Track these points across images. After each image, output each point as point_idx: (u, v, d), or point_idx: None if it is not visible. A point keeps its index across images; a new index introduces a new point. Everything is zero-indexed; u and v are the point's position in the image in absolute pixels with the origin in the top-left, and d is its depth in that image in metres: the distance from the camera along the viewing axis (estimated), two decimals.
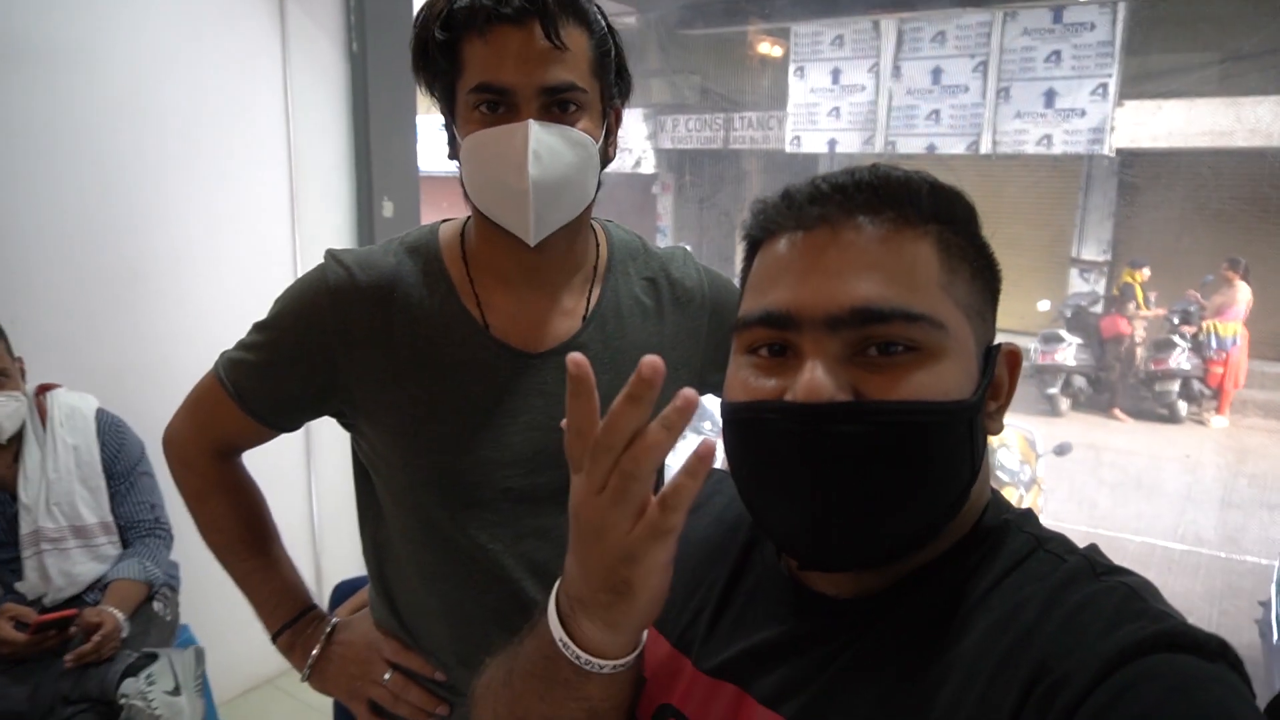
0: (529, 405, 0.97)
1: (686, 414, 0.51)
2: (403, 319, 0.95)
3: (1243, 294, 7.55)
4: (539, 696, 0.61)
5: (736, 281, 0.69)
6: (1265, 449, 7.03)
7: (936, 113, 9.04)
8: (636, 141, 11.43)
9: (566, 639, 0.58)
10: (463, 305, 0.97)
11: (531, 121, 0.87)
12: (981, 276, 0.58)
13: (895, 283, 0.54)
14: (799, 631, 0.60)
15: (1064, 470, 5.91)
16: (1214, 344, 7.49)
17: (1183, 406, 7.54)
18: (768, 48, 10.60)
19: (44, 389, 1.91)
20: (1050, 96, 8.40)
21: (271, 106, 2.51)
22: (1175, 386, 7.51)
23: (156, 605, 1.93)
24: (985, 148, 8.76)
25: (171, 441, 1.06)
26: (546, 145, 0.88)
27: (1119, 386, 7.87)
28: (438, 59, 0.89)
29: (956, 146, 8.93)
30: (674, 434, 0.52)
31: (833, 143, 9.74)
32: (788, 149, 10.04)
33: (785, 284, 0.56)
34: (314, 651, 1.05)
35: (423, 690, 1.04)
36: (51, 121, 2.07)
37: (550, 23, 0.86)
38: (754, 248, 0.62)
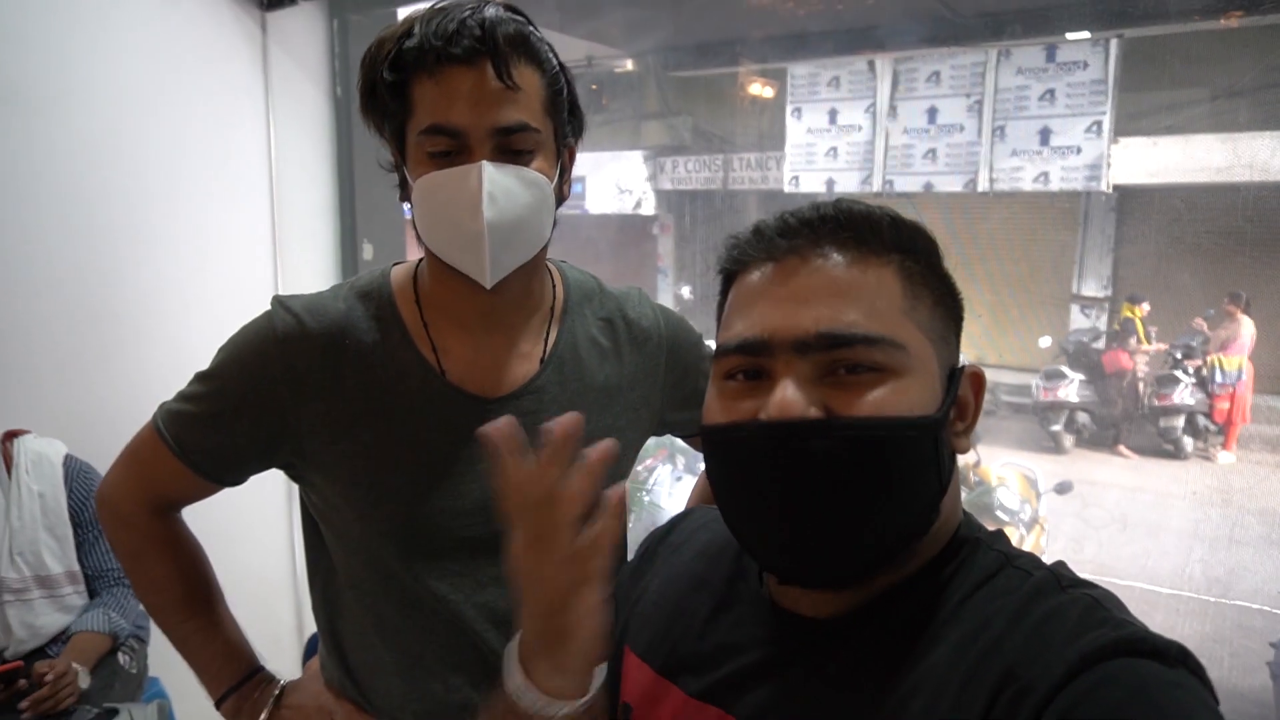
0: (488, 451, 0.95)
1: (606, 462, 0.57)
2: (355, 366, 0.94)
3: (1246, 328, 7.52)
4: None
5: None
6: (1274, 484, 6.93)
7: (933, 151, 9.12)
8: (636, 183, 11.53)
9: (527, 685, 0.61)
10: (417, 350, 0.96)
11: (485, 163, 0.86)
12: (944, 304, 0.62)
13: (859, 308, 0.57)
14: (778, 653, 0.63)
15: (1067, 509, 5.82)
16: (1219, 378, 7.44)
17: (1188, 442, 7.47)
18: (760, 89, 10.74)
19: (11, 435, 1.88)
20: (1045, 134, 8.47)
21: (254, 149, 2.52)
22: (1180, 422, 7.44)
23: (122, 658, 1.88)
24: (982, 185, 8.81)
25: (107, 498, 1.03)
26: (501, 186, 0.87)
27: (1123, 423, 7.81)
28: (386, 100, 0.89)
29: (954, 185, 8.99)
30: (594, 481, 0.57)
31: (831, 182, 9.81)
32: (786, 189, 10.12)
33: (758, 311, 0.60)
34: (261, 718, 1.02)
35: None
36: (29, 163, 2.08)
37: (501, 62, 0.85)
38: (729, 281, 0.66)
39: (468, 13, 0.85)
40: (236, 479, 1.01)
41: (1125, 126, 8.32)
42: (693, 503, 1.28)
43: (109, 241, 2.24)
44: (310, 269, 2.68)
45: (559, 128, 0.93)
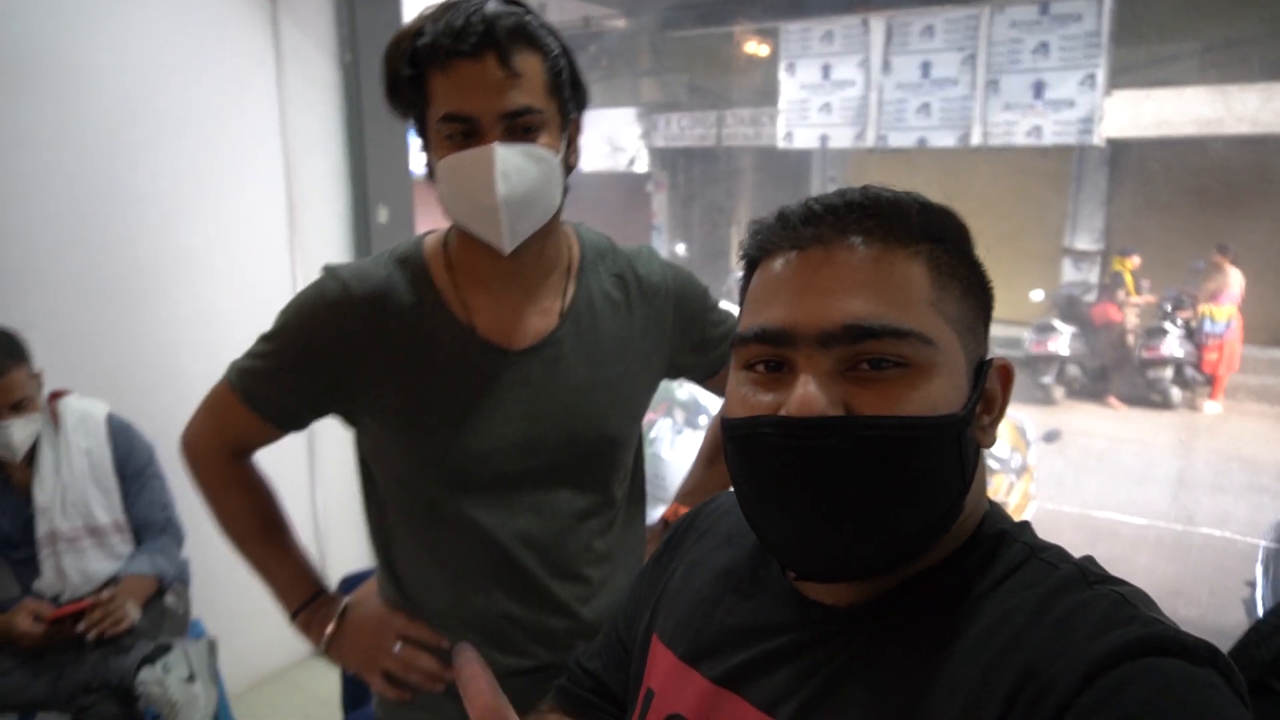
0: (516, 397, 1.07)
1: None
2: (396, 325, 1.05)
3: (1234, 278, 7.61)
4: None
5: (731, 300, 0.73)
6: (1258, 433, 7.10)
7: (927, 106, 9.09)
8: (629, 141, 11.48)
9: None
10: (449, 310, 1.07)
11: (496, 145, 0.96)
12: (973, 294, 0.60)
13: (886, 300, 0.55)
14: (796, 639, 0.63)
15: (1056, 457, 5.98)
16: (1208, 328, 7.56)
17: (1176, 393, 7.61)
18: (755, 46, 10.65)
19: (55, 395, 1.98)
20: (1039, 88, 8.44)
21: (266, 116, 2.58)
22: (1168, 373, 7.58)
23: (169, 599, 2.01)
24: (976, 140, 8.81)
25: (190, 444, 1.16)
26: (512, 165, 0.97)
27: (1113, 374, 7.94)
28: (407, 92, 0.99)
29: (947, 139, 8.98)
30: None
31: (824, 138, 9.79)
32: (780, 145, 10.09)
33: (781, 302, 0.58)
34: (329, 629, 1.14)
35: (431, 658, 1.12)
36: (51, 133, 2.15)
37: (504, 54, 0.95)
38: (752, 267, 0.64)
39: (471, 9, 0.95)
40: (299, 425, 1.13)
41: (1118, 79, 8.31)
42: (702, 458, 1.38)
43: (134, 211, 2.32)
44: (325, 232, 2.76)
45: (562, 104, 1.02)
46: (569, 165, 1.06)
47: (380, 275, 1.06)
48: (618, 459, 1.16)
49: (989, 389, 0.60)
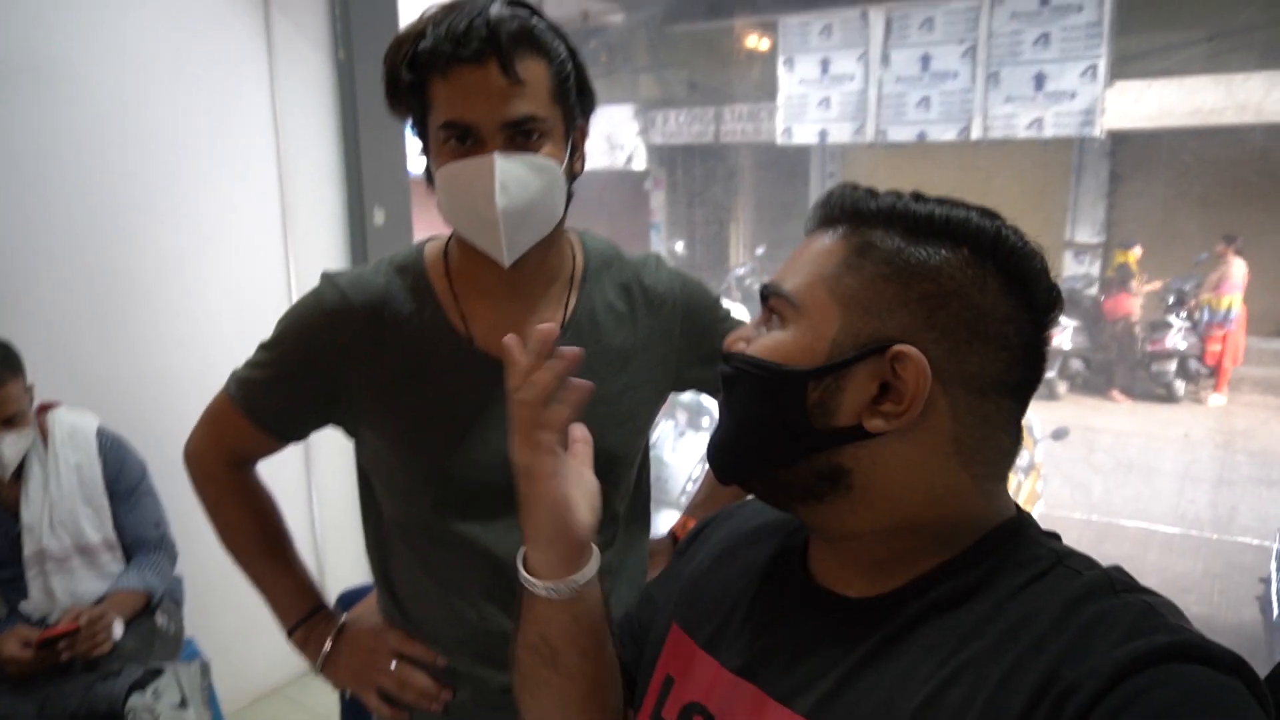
0: None
1: (571, 361, 0.69)
2: (394, 335, 1.03)
3: (1238, 269, 7.57)
4: (516, 634, 0.75)
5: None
6: (1263, 425, 7.06)
7: (927, 100, 9.03)
8: (627, 138, 11.41)
9: (519, 565, 0.72)
10: (448, 320, 1.04)
11: (496, 155, 0.93)
12: (900, 281, 0.61)
13: (795, 272, 0.65)
14: (816, 631, 0.65)
15: (1063, 454, 5.92)
16: (1207, 317, 7.52)
17: (1180, 386, 7.57)
18: (755, 40, 10.58)
19: (44, 408, 1.92)
20: (1040, 80, 8.39)
21: (259, 116, 2.51)
22: (1172, 366, 7.53)
23: (160, 619, 1.94)
24: (976, 133, 8.75)
25: (191, 455, 1.14)
26: (513, 175, 0.94)
27: (1117, 368, 7.89)
28: (407, 97, 0.96)
29: (947, 133, 8.92)
30: (556, 374, 0.68)
31: (824, 133, 9.72)
32: (779, 141, 10.03)
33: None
34: (325, 645, 1.12)
35: (427, 677, 1.10)
36: (39, 136, 2.08)
37: (507, 60, 0.92)
38: None
39: (475, 13, 0.92)
40: (299, 435, 1.11)
41: (1119, 70, 8.25)
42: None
43: (125, 215, 2.24)
44: (320, 234, 2.69)
45: (568, 110, 0.99)
46: (573, 173, 1.03)
47: (379, 283, 1.04)
48: (618, 475, 1.12)
49: (904, 380, 0.59)
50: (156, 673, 1.81)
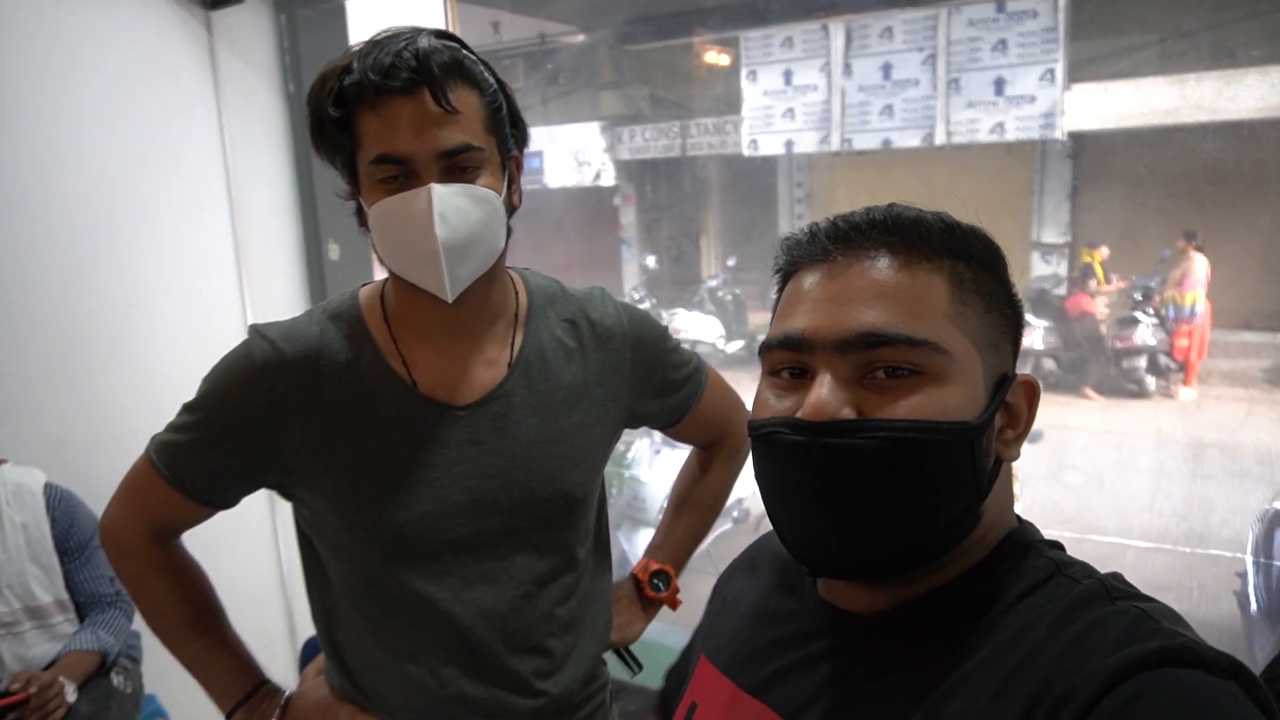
0: (464, 455, 1.01)
1: None
2: (332, 385, 0.99)
3: (1199, 265, 7.68)
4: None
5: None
6: (1233, 416, 7.14)
7: (890, 107, 9.12)
8: (594, 155, 11.41)
9: None
10: (389, 365, 1.01)
11: (434, 185, 0.90)
12: (996, 310, 0.62)
13: (903, 311, 0.58)
14: (821, 647, 0.65)
15: (1039, 454, 5.95)
16: (1173, 313, 7.61)
17: (1151, 381, 7.65)
18: (715, 56, 10.65)
19: None
20: (1000, 85, 8.51)
21: (209, 153, 2.46)
22: (1142, 362, 7.61)
23: (116, 679, 1.87)
24: (940, 139, 8.85)
25: (108, 530, 1.07)
26: (451, 206, 0.91)
27: (1089, 366, 7.96)
28: (334, 135, 0.93)
29: (912, 140, 9.01)
30: None
31: (790, 143, 9.78)
32: (745, 152, 10.08)
33: (803, 311, 0.62)
34: None
35: None
36: None
37: (439, 89, 0.89)
38: (785, 281, 0.68)
39: (402, 44, 0.89)
40: (229, 502, 1.06)
41: (1077, 73, 8.38)
42: (669, 510, 1.32)
43: (66, 258, 2.18)
44: (275, 273, 2.64)
45: (502, 141, 0.97)
46: (512, 205, 1.01)
47: (313, 332, 1.00)
48: (577, 517, 1.08)
49: (1013, 403, 0.62)
50: None
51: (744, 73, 9.83)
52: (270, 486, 1.04)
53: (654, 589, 1.27)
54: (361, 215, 0.99)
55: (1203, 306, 7.67)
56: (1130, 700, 0.47)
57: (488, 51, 1.10)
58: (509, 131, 0.98)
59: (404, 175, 0.91)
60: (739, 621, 0.76)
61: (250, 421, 0.98)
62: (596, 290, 1.16)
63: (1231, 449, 6.39)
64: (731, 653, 0.74)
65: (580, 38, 10.26)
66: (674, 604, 1.30)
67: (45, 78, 2.12)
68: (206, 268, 2.48)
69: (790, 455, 0.59)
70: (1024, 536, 0.63)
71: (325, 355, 0.99)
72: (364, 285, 1.08)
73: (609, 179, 11.71)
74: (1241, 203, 8.15)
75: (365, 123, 0.91)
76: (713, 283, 9.77)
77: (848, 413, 0.57)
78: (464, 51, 0.93)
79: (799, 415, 0.59)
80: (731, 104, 10.20)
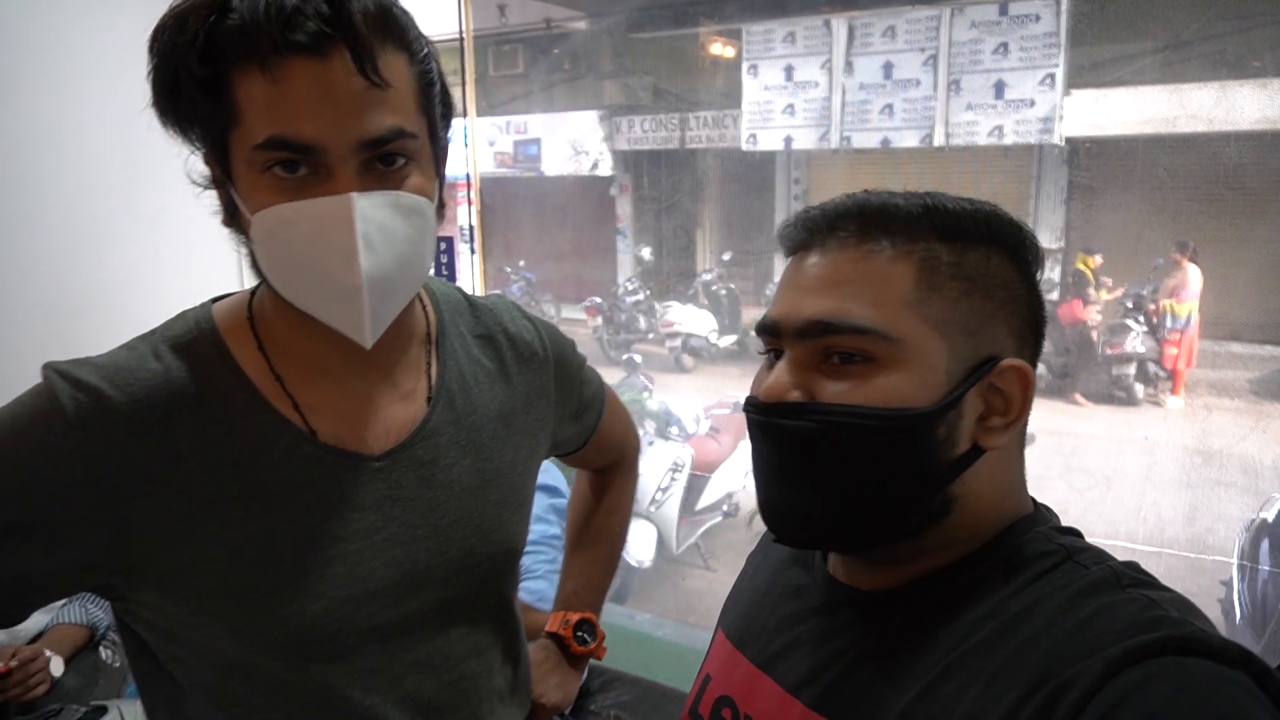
0: (386, 519, 0.79)
1: None
2: (194, 444, 0.72)
3: (1194, 275, 7.72)
4: None
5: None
6: (1219, 426, 7.20)
7: (890, 107, 9.13)
8: (593, 144, 11.39)
9: None
10: (274, 410, 0.76)
11: (356, 196, 0.66)
12: (984, 293, 0.60)
13: (856, 298, 0.59)
14: (825, 625, 0.67)
15: (1029, 459, 5.99)
16: (1169, 324, 7.66)
17: (1139, 389, 7.70)
18: (719, 48, 10.63)
19: None
20: (1000, 88, 8.53)
21: None
22: (1131, 370, 7.67)
23: (104, 653, 1.86)
24: (939, 140, 8.87)
25: None
26: (377, 224, 0.67)
27: (1079, 372, 8.01)
28: (197, 101, 0.67)
29: (910, 140, 9.03)
30: None
31: (788, 140, 9.78)
32: (744, 147, 10.07)
33: (777, 297, 0.64)
34: None
35: None
36: None
37: (364, 52, 0.64)
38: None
39: None
40: (17, 617, 0.76)
41: (1076, 79, 8.41)
42: (576, 513, 1.19)
43: (63, 232, 2.15)
44: None
45: (433, 124, 0.74)
46: (441, 210, 0.76)
47: (152, 370, 0.73)
48: (514, 568, 0.93)
49: (1003, 389, 0.61)
50: (100, 710, 1.73)
51: (745, 67, 9.81)
52: (91, 590, 0.76)
53: (580, 643, 1.10)
54: (233, 214, 0.73)
55: (1194, 316, 7.72)
56: (1132, 689, 0.46)
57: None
58: (440, 111, 0.75)
59: (306, 168, 0.67)
60: (752, 595, 0.78)
61: (59, 510, 0.69)
62: (502, 299, 0.97)
63: (1217, 457, 6.44)
64: (744, 627, 0.75)
65: (585, 23, 10.22)
66: (600, 654, 1.13)
67: (46, 54, 2.08)
68: (206, 244, 2.44)
69: (755, 430, 0.64)
70: (1035, 522, 0.63)
71: (177, 401, 0.72)
72: (215, 301, 0.81)
73: (606, 169, 11.69)
74: (1233, 213, 8.21)
75: (248, 89, 0.65)
76: (707, 276, 9.78)
77: (796, 395, 0.60)
78: None
79: (758, 395, 0.64)
80: (732, 98, 10.19)
